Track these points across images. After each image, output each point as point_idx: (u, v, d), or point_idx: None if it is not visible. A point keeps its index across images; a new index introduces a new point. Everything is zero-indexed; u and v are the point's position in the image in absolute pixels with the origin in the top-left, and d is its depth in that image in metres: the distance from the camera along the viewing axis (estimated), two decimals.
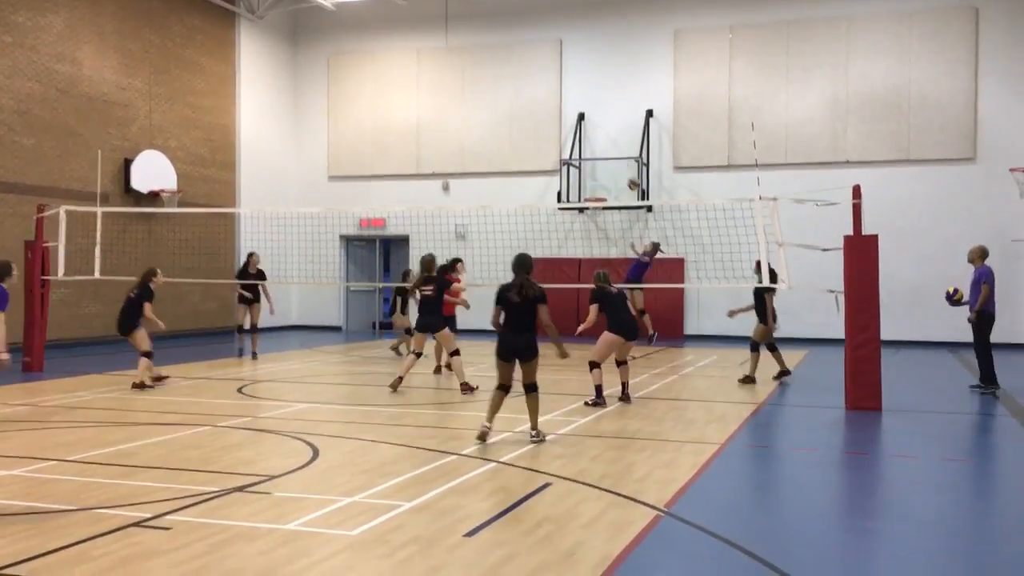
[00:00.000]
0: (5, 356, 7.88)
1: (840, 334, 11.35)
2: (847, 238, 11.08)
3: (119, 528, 5.67)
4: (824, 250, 11.94)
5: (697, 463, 7.80)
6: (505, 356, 8.67)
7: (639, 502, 6.45)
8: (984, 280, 12.27)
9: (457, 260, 14.19)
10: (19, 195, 17.32)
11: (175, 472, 7.29)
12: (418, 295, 12.26)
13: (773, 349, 13.39)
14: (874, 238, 11.00)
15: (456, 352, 12.13)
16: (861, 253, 10.93)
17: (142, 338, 12.38)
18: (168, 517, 5.93)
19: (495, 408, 8.68)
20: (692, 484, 7.06)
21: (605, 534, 5.69)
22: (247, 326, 16.37)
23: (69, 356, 16.30)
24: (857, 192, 11.23)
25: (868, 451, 9.04)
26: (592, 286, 11.21)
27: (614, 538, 5.60)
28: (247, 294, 16.09)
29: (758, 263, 13.06)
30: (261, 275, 16.31)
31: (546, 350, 9.08)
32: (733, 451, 8.45)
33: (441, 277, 12.43)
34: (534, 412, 8.73)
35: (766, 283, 12.20)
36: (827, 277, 13.31)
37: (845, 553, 5.66)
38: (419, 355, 12.21)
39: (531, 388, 8.73)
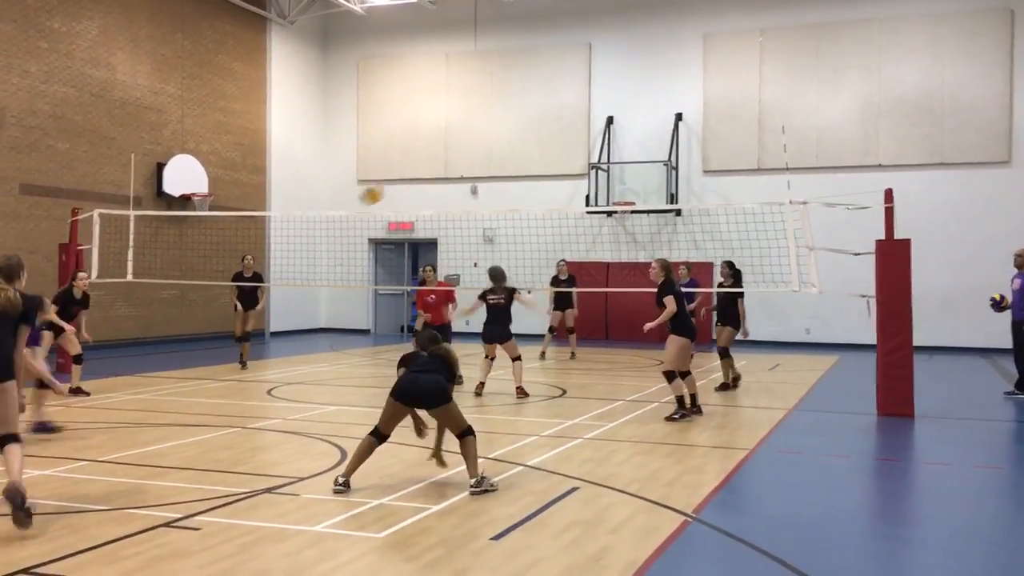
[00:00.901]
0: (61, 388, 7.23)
1: (871, 339, 11.22)
2: (879, 242, 10.96)
3: (149, 528, 5.73)
4: (855, 254, 11.82)
5: (725, 468, 7.74)
6: (402, 398, 6.95)
7: (667, 507, 6.41)
8: None
9: (427, 267, 13.73)
10: (54, 199, 17.57)
11: (205, 473, 7.35)
12: (488, 302, 12.23)
13: (725, 356, 13.03)
14: (906, 242, 10.87)
15: (518, 357, 12.14)
16: (893, 257, 10.81)
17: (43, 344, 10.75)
18: (198, 518, 5.98)
19: (359, 460, 6.91)
20: (720, 489, 7.01)
21: (633, 539, 5.66)
22: (240, 333, 15.29)
23: (102, 358, 16.49)
24: (889, 196, 11.12)
25: (900, 458, 8.93)
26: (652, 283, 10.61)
27: (642, 543, 5.58)
28: (247, 289, 15.15)
29: (725, 263, 13.02)
30: (258, 278, 15.78)
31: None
32: (762, 457, 8.38)
33: (509, 288, 12.24)
34: (471, 458, 6.90)
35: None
36: (858, 282, 13.18)
37: (876, 560, 5.59)
38: (492, 359, 12.25)
39: (466, 433, 6.94)
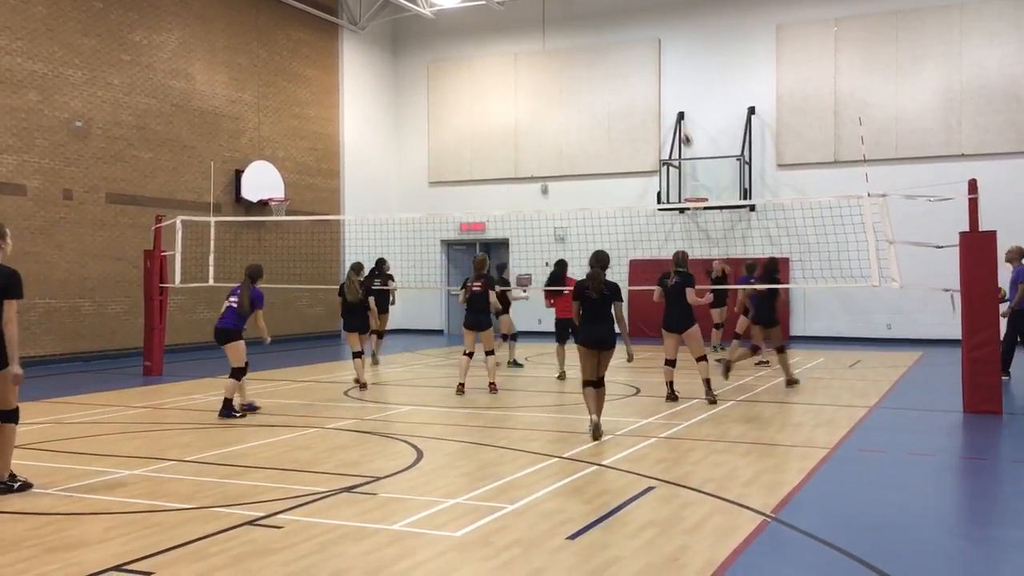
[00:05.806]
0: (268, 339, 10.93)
1: (956, 334, 10.90)
2: (963, 235, 10.63)
3: (233, 527, 5.87)
4: (938, 247, 11.49)
5: (805, 468, 7.60)
6: (590, 344, 9.05)
7: (745, 507, 6.33)
8: (1022, 280, 12.73)
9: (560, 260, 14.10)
10: (139, 207, 18.15)
11: (285, 472, 7.51)
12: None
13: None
14: (992, 234, 10.52)
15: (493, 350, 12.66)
16: (978, 250, 10.47)
17: None
18: (279, 516, 6.11)
19: (599, 405, 9.10)
20: (800, 489, 6.89)
21: (710, 539, 5.61)
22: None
23: (186, 360, 16.98)
24: (973, 186, 10.77)
25: (987, 456, 8.65)
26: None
27: (719, 543, 5.52)
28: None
29: (756, 264, 12.72)
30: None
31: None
32: (843, 456, 8.20)
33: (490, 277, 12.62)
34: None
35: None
36: (942, 276, 12.82)
37: (961, 562, 5.43)
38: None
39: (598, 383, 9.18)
